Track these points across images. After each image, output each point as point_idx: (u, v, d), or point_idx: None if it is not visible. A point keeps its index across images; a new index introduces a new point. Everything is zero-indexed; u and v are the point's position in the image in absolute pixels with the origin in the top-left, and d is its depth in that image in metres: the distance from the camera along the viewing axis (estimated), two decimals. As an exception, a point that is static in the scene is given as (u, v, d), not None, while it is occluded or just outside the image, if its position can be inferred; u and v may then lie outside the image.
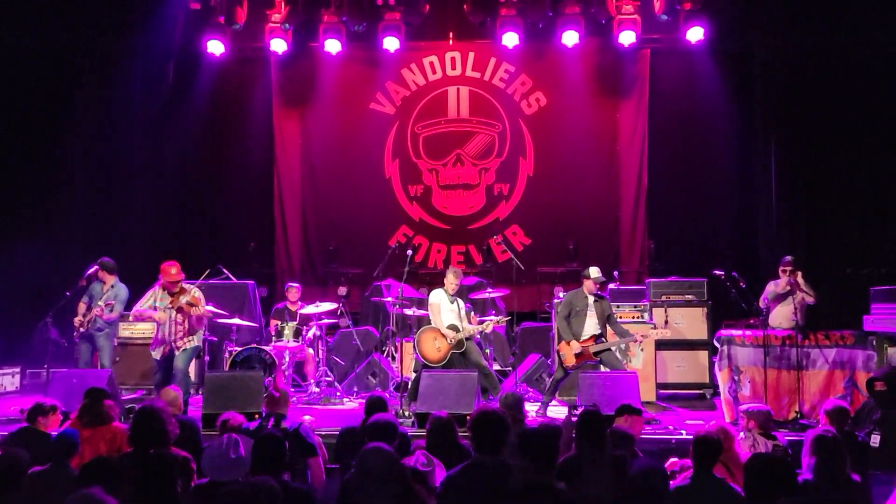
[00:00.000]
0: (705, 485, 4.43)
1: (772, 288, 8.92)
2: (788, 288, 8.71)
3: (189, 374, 8.54)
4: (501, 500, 3.21)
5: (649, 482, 3.85)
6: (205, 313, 8.44)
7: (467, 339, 8.51)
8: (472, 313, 9.11)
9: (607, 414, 5.57)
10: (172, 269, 8.22)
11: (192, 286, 8.39)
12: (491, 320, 9.02)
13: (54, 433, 5.36)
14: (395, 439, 4.72)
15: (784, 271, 8.78)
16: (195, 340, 8.35)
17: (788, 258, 8.86)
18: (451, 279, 8.64)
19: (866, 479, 4.97)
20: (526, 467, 3.91)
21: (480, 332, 8.94)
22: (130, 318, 9.73)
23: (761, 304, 8.85)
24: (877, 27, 10.49)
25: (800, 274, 8.82)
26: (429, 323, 8.68)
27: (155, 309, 8.24)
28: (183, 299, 8.15)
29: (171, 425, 4.88)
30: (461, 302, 8.77)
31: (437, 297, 8.67)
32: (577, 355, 8.26)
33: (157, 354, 8.29)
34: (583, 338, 8.36)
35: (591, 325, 8.42)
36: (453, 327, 8.47)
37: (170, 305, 8.18)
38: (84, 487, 3.63)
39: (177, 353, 8.21)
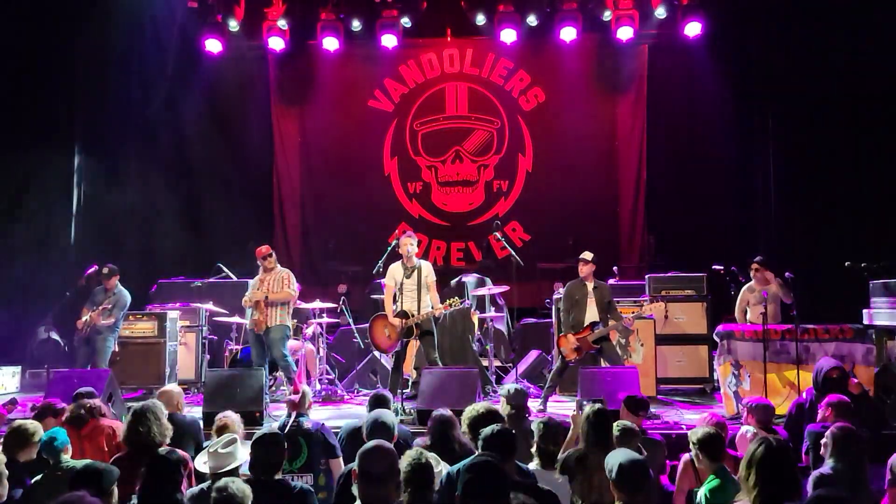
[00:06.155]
0: (728, 483, 4.36)
1: (748, 295, 8.80)
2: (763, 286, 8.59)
3: (288, 357, 8.50)
4: (502, 497, 3.20)
5: (630, 474, 3.75)
6: (286, 295, 8.51)
7: (425, 332, 8.10)
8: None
9: (611, 409, 5.58)
10: (261, 251, 8.71)
11: (284, 269, 8.72)
12: (453, 302, 8.14)
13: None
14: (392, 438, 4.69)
15: (754, 269, 8.70)
16: (279, 317, 8.44)
17: (757, 258, 8.80)
18: (405, 243, 8.11)
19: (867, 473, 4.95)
20: None
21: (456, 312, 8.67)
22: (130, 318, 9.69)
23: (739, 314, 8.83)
24: (876, 19, 10.49)
25: (772, 274, 8.69)
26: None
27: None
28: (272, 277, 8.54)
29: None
30: (424, 268, 8.14)
31: (391, 275, 8.23)
32: (576, 349, 8.24)
33: (250, 325, 8.49)
34: (584, 326, 8.34)
35: (592, 313, 8.35)
36: (402, 314, 8.10)
37: (260, 280, 8.55)
38: (73, 490, 3.59)
39: (268, 328, 8.37)
